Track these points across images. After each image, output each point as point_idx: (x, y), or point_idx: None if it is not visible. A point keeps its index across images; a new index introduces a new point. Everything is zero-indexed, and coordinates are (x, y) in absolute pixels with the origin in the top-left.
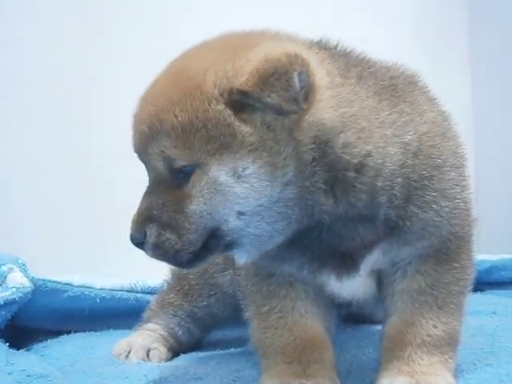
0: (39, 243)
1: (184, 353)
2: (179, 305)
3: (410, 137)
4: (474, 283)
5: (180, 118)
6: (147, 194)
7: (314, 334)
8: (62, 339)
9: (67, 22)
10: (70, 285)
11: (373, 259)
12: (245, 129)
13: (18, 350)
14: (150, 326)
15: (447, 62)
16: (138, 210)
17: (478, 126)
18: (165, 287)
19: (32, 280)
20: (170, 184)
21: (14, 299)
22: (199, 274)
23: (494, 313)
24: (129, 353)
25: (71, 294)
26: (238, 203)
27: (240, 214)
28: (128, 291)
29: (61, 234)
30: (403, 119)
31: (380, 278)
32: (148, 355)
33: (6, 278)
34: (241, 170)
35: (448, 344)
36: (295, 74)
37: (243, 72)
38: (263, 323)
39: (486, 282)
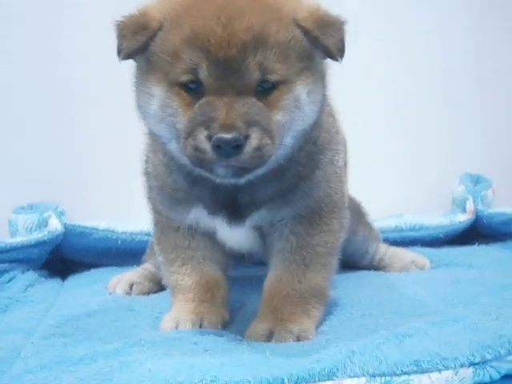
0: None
1: None
2: None
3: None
4: (492, 234)
5: (281, 35)
6: (230, 100)
7: (209, 279)
8: (93, 272)
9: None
10: (96, 229)
11: (258, 215)
12: (319, 57)
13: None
14: (145, 265)
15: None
16: (230, 113)
17: None
18: None
19: (64, 225)
20: (254, 94)
21: (44, 240)
22: None
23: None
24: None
25: (97, 237)
26: (304, 121)
27: (295, 132)
28: (146, 235)
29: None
30: None
31: (264, 239)
32: (132, 288)
33: (47, 222)
34: (311, 93)
35: (313, 296)
36: None
37: (312, 12)
38: (170, 268)
39: (504, 232)
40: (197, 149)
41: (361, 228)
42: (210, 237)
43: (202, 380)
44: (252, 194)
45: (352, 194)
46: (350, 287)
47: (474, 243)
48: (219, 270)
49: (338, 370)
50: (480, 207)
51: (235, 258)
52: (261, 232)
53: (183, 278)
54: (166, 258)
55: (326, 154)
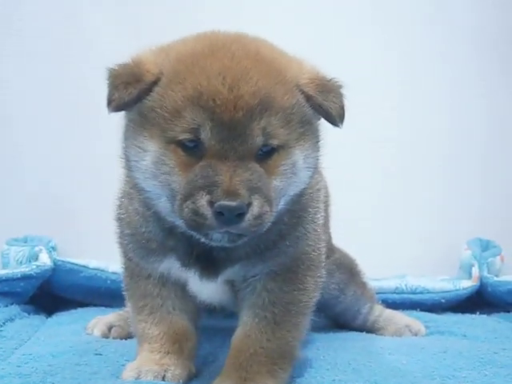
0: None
1: None
2: None
3: None
4: (497, 303)
5: (285, 100)
6: (233, 164)
7: (178, 330)
8: (79, 311)
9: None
10: (86, 267)
11: (231, 271)
12: (317, 122)
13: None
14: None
15: None
16: (233, 179)
17: None
18: None
19: (54, 261)
20: (254, 159)
21: (31, 274)
22: None
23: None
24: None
25: (86, 275)
26: (298, 187)
27: (288, 197)
28: None
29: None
30: None
31: (236, 293)
32: (110, 330)
33: (38, 256)
34: (307, 158)
35: (280, 356)
36: None
37: (313, 77)
38: (138, 317)
39: (510, 302)
40: (196, 213)
41: (351, 287)
42: (182, 286)
43: None
44: (229, 251)
45: (345, 251)
46: (332, 348)
47: (476, 312)
48: (189, 321)
49: None
50: (486, 274)
51: (206, 310)
52: (233, 286)
53: (150, 327)
54: (134, 305)
55: (308, 211)
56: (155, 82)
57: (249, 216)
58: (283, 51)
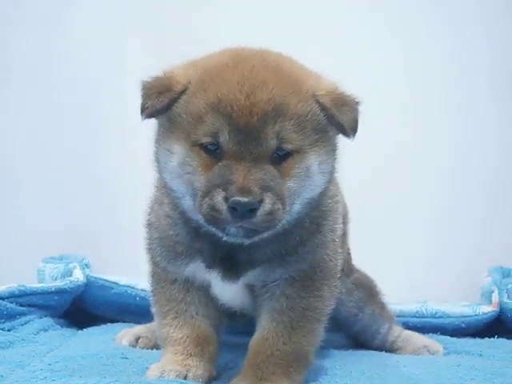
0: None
1: None
2: None
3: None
4: None
5: (299, 107)
6: (248, 165)
7: (200, 333)
8: (110, 325)
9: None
10: (117, 283)
11: (252, 274)
12: (334, 131)
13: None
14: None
15: None
16: (247, 177)
17: None
18: None
19: (87, 277)
20: (270, 160)
21: (65, 289)
22: None
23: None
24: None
25: (117, 291)
26: (313, 190)
27: (304, 199)
28: None
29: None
30: None
31: (255, 298)
32: (137, 341)
33: (72, 273)
34: (322, 164)
35: (296, 360)
36: None
37: (330, 90)
38: (163, 321)
39: None
40: (213, 208)
41: (370, 306)
42: (205, 292)
43: None
44: (250, 254)
45: (366, 272)
46: (349, 361)
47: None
48: (211, 326)
49: None
50: (505, 300)
51: (228, 316)
52: (253, 291)
53: (174, 330)
54: (159, 309)
55: (328, 220)
56: (183, 91)
57: (261, 211)
58: (304, 66)
